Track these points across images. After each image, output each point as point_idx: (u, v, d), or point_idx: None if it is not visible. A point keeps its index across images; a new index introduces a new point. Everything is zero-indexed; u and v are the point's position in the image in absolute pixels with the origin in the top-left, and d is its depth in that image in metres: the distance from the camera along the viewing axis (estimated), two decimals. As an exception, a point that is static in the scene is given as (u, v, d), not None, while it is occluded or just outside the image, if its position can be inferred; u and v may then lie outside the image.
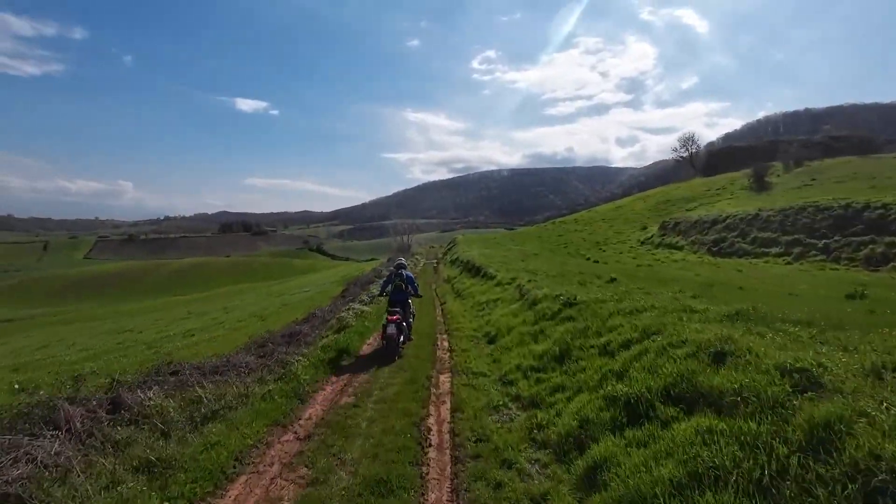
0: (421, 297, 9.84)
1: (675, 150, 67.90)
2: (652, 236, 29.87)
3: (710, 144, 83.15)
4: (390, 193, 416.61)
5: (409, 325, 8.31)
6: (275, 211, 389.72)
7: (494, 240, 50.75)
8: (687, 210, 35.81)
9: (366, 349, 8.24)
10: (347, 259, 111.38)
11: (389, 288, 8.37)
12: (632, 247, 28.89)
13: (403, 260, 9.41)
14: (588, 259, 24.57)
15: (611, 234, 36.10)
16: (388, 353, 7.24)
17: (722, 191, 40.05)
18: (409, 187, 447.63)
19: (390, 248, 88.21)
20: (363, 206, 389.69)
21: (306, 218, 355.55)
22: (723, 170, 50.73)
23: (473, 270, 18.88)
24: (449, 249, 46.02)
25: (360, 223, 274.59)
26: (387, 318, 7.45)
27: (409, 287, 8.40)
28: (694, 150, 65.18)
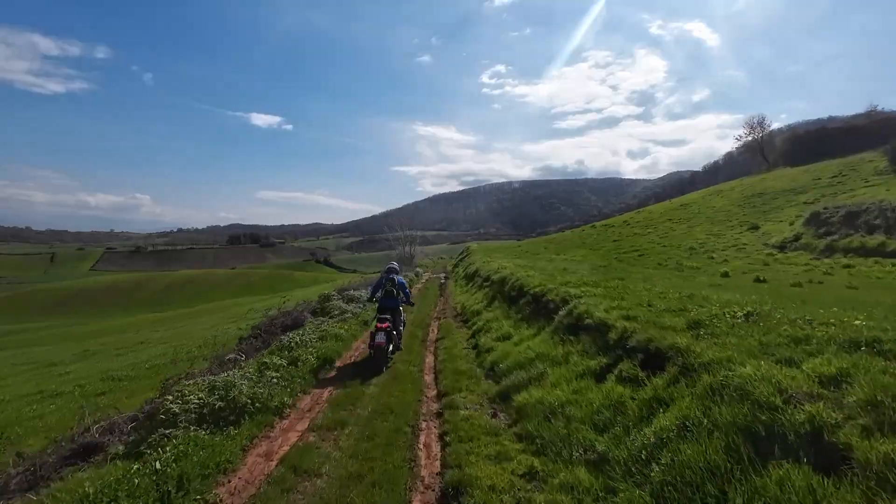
0: (413, 304, 8.87)
1: (738, 138, 60.02)
2: (799, 235, 19.44)
3: (793, 128, 72.66)
4: (400, 206, 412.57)
5: (399, 333, 7.80)
6: (287, 223, 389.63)
7: (520, 248, 40.75)
8: (805, 203, 25.67)
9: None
10: (354, 271, 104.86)
11: (379, 294, 7.78)
12: (769, 253, 18.66)
13: (395, 264, 8.42)
14: (727, 275, 14.37)
15: (701, 236, 25.86)
16: (376, 363, 6.66)
17: (842, 178, 29.98)
18: (419, 199, 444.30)
19: (393, 260, 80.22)
20: (373, 218, 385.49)
21: (317, 230, 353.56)
22: (815, 158, 40.59)
23: (531, 304, 7.96)
24: (460, 260, 35.90)
25: (370, 235, 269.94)
26: (376, 326, 6.98)
27: (401, 293, 7.85)
28: (761, 136, 55.37)
